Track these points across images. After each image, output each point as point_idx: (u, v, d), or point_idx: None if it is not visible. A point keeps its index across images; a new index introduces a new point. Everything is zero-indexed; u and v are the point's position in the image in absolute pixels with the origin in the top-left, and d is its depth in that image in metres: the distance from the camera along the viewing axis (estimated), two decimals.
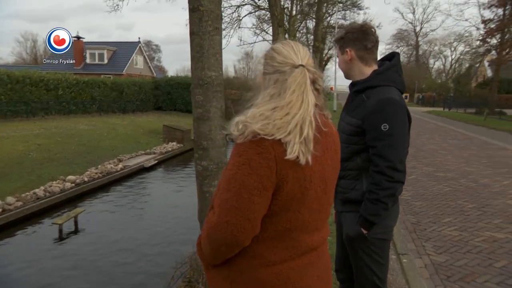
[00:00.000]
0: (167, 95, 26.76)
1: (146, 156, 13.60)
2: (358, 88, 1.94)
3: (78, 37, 31.14)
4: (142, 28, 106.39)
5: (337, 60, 2.10)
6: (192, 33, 3.69)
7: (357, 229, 1.90)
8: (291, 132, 1.07)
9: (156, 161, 13.24)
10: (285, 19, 11.27)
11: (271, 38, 22.98)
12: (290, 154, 1.06)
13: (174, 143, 16.13)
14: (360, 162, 1.91)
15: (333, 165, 1.26)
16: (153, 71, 37.86)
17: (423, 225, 4.48)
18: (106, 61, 32.07)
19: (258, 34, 19.81)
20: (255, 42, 18.99)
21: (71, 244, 6.83)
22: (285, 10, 13.31)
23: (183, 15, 41.51)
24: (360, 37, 1.90)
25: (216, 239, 1.12)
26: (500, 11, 24.94)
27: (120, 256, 6.26)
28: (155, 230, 7.40)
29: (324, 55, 32.23)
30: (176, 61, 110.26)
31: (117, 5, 13.25)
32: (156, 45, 63.02)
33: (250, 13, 16.10)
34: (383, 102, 1.81)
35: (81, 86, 20.41)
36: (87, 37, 32.71)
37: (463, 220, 4.60)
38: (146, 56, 37.42)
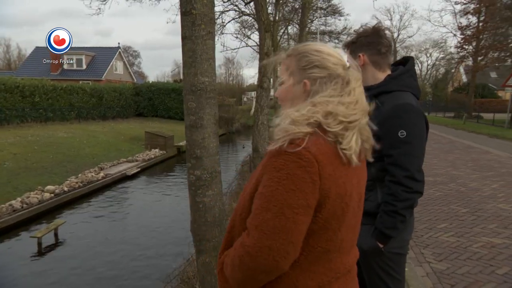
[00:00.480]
0: (148, 101, 26.41)
1: (128, 164, 13.24)
2: (371, 93, 1.83)
3: None
4: (121, 34, 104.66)
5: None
6: (184, 38, 3.52)
7: (372, 243, 1.78)
8: (350, 128, 1.02)
9: (139, 169, 12.92)
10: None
11: (253, 44, 22.97)
12: (345, 145, 1.00)
13: (157, 150, 15.80)
14: (374, 172, 1.80)
15: (364, 176, 1.18)
16: (134, 77, 37.25)
17: (419, 231, 4.43)
18: (84, 66, 31.32)
19: (241, 40, 19.74)
20: (238, 48, 18.89)
21: (51, 258, 6.50)
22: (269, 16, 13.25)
23: (163, 21, 41.14)
24: (374, 41, 1.80)
25: (253, 266, 0.97)
26: (475, 18, 25.78)
27: (104, 269, 5.97)
28: (140, 241, 7.13)
29: None
30: (156, 67, 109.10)
31: (99, 8, 12.86)
32: (136, 51, 62.09)
33: (234, 19, 16.03)
34: (399, 108, 1.71)
35: (58, 92, 19.81)
36: None
37: (459, 225, 4.57)
38: (126, 62, 36.80)
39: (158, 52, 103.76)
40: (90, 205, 9.40)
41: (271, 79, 9.81)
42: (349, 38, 1.92)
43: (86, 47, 33.83)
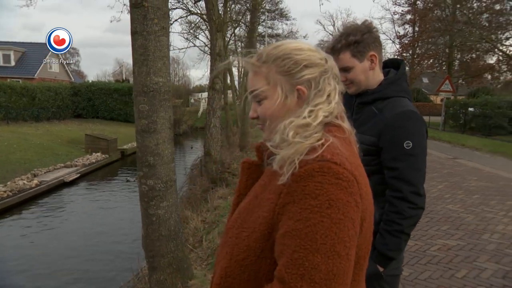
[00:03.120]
0: (87, 101, 24.91)
1: (67, 169, 12.23)
2: (366, 100, 1.64)
3: None
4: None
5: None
6: (134, 33, 3.16)
7: (373, 268, 1.60)
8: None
9: (79, 175, 11.98)
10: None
11: (202, 44, 22.49)
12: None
13: (99, 154, 14.78)
14: (372, 186, 1.62)
15: None
16: (71, 76, 34.85)
17: None
18: (13, 63, 28.65)
19: (189, 40, 19.20)
20: (187, 48, 18.32)
21: None
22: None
23: (100, 18, 38.87)
24: (378, 38, 1.60)
25: None
26: (411, 28, 27.53)
27: None
28: (79, 254, 6.48)
29: None
30: (96, 65, 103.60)
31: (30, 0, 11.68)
32: (74, 48, 58.16)
33: (181, 17, 15.48)
34: (402, 116, 1.53)
35: None
36: None
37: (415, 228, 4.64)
38: (62, 59, 34.27)
39: (97, 50, 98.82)
40: (20, 217, 8.45)
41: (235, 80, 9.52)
42: (345, 39, 1.60)
43: (15, 42, 30.97)
